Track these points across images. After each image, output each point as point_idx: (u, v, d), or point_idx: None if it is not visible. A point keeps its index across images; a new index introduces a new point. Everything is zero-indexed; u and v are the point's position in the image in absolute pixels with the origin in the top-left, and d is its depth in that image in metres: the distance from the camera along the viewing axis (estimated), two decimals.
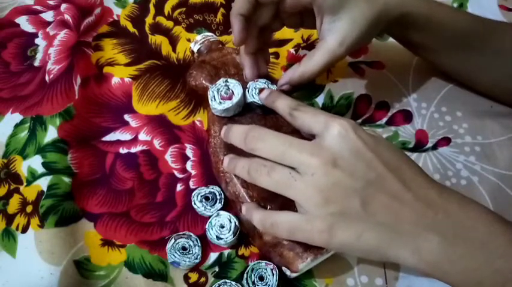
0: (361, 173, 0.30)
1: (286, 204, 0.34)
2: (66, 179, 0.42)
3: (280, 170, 0.32)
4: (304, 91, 0.49)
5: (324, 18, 0.39)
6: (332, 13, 0.38)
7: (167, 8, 0.56)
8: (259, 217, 0.34)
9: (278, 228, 0.33)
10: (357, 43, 0.39)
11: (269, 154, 0.32)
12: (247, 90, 0.41)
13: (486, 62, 0.44)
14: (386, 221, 0.30)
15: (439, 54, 0.46)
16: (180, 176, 0.44)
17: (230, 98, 0.40)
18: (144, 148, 0.45)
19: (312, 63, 0.39)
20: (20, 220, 0.40)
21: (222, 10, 0.56)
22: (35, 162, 0.42)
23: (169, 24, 0.54)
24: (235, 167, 0.35)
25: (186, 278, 0.39)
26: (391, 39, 0.47)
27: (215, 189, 0.41)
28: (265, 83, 0.41)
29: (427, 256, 0.29)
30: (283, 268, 0.36)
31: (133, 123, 0.46)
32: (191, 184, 0.43)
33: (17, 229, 0.40)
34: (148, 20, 0.54)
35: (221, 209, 0.41)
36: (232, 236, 0.38)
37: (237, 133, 0.35)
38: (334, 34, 0.38)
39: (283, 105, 0.36)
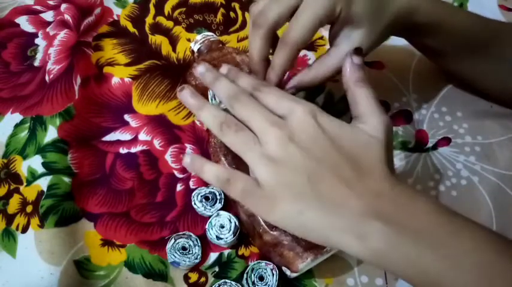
0: (315, 155, 0.31)
1: None
2: (66, 179, 0.42)
3: (247, 132, 0.32)
4: (304, 91, 0.49)
5: (345, 27, 0.37)
6: (355, 23, 0.37)
7: (167, 8, 0.56)
8: (215, 170, 0.33)
9: (232, 186, 0.32)
10: (371, 50, 0.39)
11: (239, 114, 0.33)
12: None
13: (494, 65, 0.44)
14: (332, 203, 0.30)
15: (447, 58, 0.46)
16: (180, 176, 0.44)
17: None
18: (144, 147, 0.45)
19: (324, 68, 0.39)
20: (20, 220, 0.40)
21: (222, 10, 0.56)
22: (35, 162, 0.42)
23: (169, 24, 0.54)
24: (203, 111, 0.34)
25: (186, 278, 0.39)
26: (391, 39, 0.46)
27: (215, 189, 0.41)
28: None
29: (372, 243, 0.29)
30: (283, 268, 0.36)
31: (133, 123, 0.46)
32: (191, 183, 0.43)
33: (17, 229, 0.40)
34: (148, 20, 0.54)
35: (221, 209, 0.41)
36: (232, 236, 0.38)
37: (226, 88, 0.35)
38: (350, 43, 0.37)
39: (245, 83, 0.35)
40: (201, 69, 0.36)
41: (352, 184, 0.30)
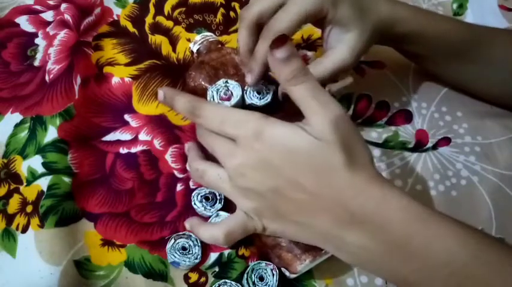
0: (268, 181, 0.31)
1: None
2: (66, 179, 0.42)
3: (210, 173, 0.34)
4: None
5: (333, 29, 0.40)
6: (343, 25, 0.39)
7: (167, 7, 0.56)
8: (222, 231, 0.34)
9: (234, 234, 0.34)
10: (363, 52, 0.40)
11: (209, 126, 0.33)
12: (245, 92, 0.41)
13: (479, 70, 0.45)
14: (303, 220, 0.31)
15: (432, 64, 0.47)
16: (180, 176, 0.44)
17: (229, 99, 0.40)
18: (144, 147, 0.45)
19: (320, 69, 0.39)
20: (20, 220, 0.40)
21: (222, 10, 0.56)
22: (35, 162, 0.42)
23: (169, 24, 0.54)
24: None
25: (186, 278, 0.39)
26: None
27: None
28: (262, 83, 0.41)
29: (350, 255, 0.31)
30: (283, 269, 0.36)
31: (133, 123, 0.46)
32: (191, 184, 0.43)
33: (17, 229, 0.40)
34: (148, 19, 0.54)
35: (221, 209, 0.41)
36: None
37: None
38: (344, 45, 0.39)
39: (180, 105, 0.34)
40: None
41: (315, 197, 0.30)
